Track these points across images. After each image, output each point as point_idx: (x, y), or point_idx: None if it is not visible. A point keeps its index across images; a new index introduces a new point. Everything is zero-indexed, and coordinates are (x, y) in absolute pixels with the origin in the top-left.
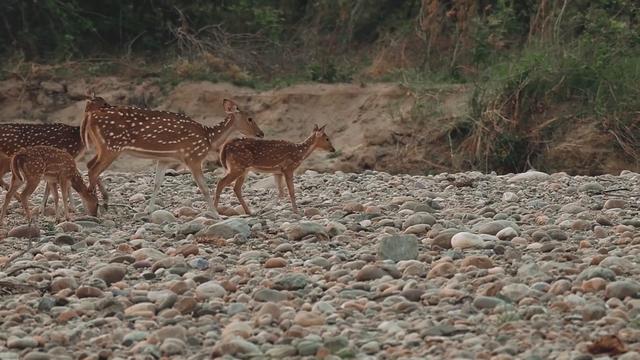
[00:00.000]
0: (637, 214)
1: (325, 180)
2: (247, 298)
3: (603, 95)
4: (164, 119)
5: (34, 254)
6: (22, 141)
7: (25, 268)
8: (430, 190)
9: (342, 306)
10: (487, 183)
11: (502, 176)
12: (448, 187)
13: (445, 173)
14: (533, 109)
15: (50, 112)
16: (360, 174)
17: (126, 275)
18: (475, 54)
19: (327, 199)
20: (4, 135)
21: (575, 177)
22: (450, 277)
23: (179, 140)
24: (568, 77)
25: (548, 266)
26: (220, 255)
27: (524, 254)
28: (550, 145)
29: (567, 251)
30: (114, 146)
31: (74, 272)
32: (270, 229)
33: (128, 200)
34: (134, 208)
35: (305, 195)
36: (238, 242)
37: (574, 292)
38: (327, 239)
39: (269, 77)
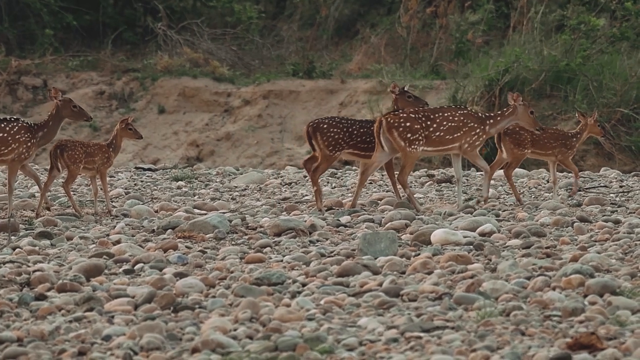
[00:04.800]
0: (616, 211)
1: (305, 176)
2: (227, 294)
3: (583, 93)
4: (446, 114)
5: (14, 249)
6: (346, 138)
7: (4, 263)
8: (410, 187)
9: (322, 302)
10: (467, 180)
11: (481, 173)
12: (428, 183)
13: (425, 169)
14: None
15: (30, 107)
16: (340, 170)
17: (105, 271)
18: (455, 51)
19: (306, 195)
20: (332, 130)
21: None
22: (429, 273)
23: (461, 132)
24: (548, 74)
25: (527, 263)
26: (199, 251)
27: (503, 250)
28: None
29: (547, 248)
30: (413, 147)
31: (53, 267)
32: (249, 224)
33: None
34: (113, 203)
35: (285, 191)
36: (217, 237)
37: (553, 289)
38: (306, 235)
39: (249, 72)
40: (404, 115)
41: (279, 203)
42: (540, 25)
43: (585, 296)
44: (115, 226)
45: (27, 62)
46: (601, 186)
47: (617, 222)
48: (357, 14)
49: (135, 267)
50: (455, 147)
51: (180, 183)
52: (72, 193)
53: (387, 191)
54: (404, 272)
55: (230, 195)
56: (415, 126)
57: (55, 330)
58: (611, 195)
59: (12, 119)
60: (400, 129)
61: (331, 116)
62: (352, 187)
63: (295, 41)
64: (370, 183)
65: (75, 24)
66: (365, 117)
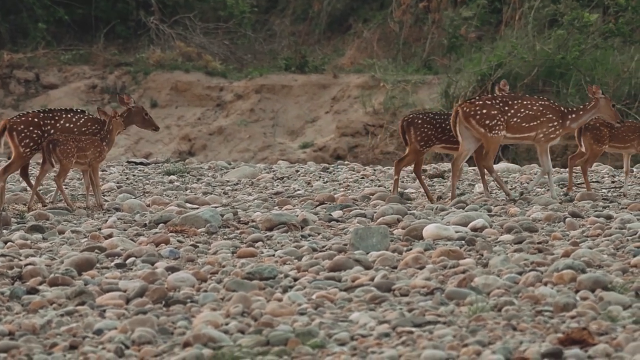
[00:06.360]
0: (608, 206)
1: (297, 171)
2: (218, 288)
3: (575, 88)
4: (525, 102)
5: (5, 243)
6: (438, 134)
7: None
8: (402, 182)
9: (313, 297)
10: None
11: (474, 168)
12: None
13: None
14: None
15: (22, 101)
16: (332, 165)
17: (97, 265)
18: (447, 46)
19: (298, 190)
20: (425, 126)
21: None
22: (421, 268)
23: (538, 122)
24: (541, 69)
25: (519, 258)
26: (191, 245)
27: (495, 245)
28: None
29: (539, 243)
30: (494, 132)
31: (45, 260)
32: (241, 219)
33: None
34: (105, 197)
35: (277, 185)
36: (209, 231)
37: (545, 284)
38: (298, 230)
39: (242, 67)
40: (480, 102)
41: (271, 197)
42: (533, 20)
43: (576, 291)
44: (107, 220)
45: (20, 56)
46: (593, 181)
47: (609, 217)
48: (349, 9)
49: (127, 261)
50: (532, 136)
51: (172, 177)
52: (64, 187)
53: (379, 186)
54: (395, 267)
55: (222, 189)
56: (492, 112)
57: (47, 324)
58: (603, 190)
59: (79, 110)
60: (477, 116)
61: (425, 111)
62: (343, 182)
63: (287, 36)
64: (362, 177)
65: (68, 17)
66: (357, 111)
